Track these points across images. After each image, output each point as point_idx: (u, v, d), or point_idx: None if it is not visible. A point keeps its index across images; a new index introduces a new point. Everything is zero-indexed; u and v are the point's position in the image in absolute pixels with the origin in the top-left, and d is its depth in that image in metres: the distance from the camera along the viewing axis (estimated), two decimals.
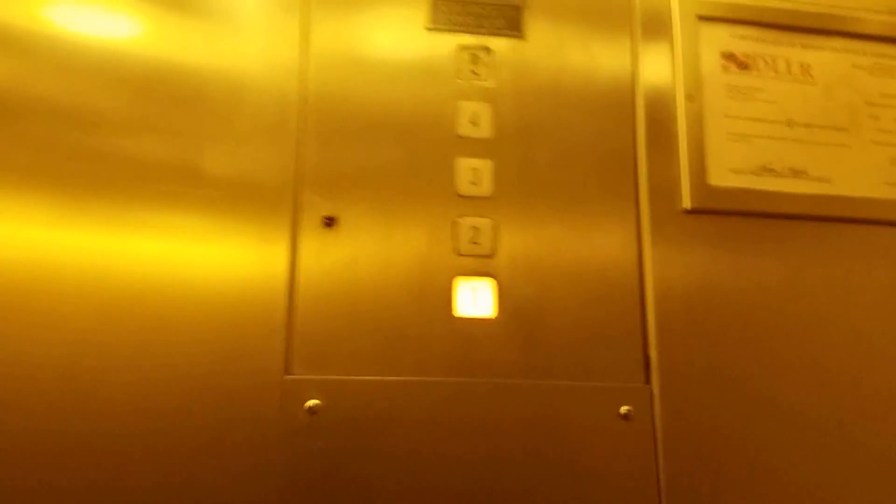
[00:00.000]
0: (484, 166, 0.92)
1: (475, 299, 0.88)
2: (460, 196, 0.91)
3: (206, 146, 0.87)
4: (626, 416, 0.87)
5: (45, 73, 0.87)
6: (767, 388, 0.90)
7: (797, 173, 0.98)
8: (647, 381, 0.89)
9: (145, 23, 0.90)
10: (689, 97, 0.97)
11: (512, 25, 0.97)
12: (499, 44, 0.96)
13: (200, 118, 0.88)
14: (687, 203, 0.94)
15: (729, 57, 1.00)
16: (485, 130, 0.93)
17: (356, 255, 0.86)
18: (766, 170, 0.97)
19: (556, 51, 0.97)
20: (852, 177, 0.99)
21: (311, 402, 0.81)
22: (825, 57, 1.03)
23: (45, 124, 0.85)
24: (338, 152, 0.89)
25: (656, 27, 1.00)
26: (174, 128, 0.87)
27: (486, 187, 0.91)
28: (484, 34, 0.96)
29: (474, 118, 0.93)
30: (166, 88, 0.88)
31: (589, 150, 0.94)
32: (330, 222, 0.87)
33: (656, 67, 0.99)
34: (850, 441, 0.90)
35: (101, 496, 0.77)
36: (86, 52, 0.88)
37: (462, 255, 0.89)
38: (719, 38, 1.00)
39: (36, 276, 0.81)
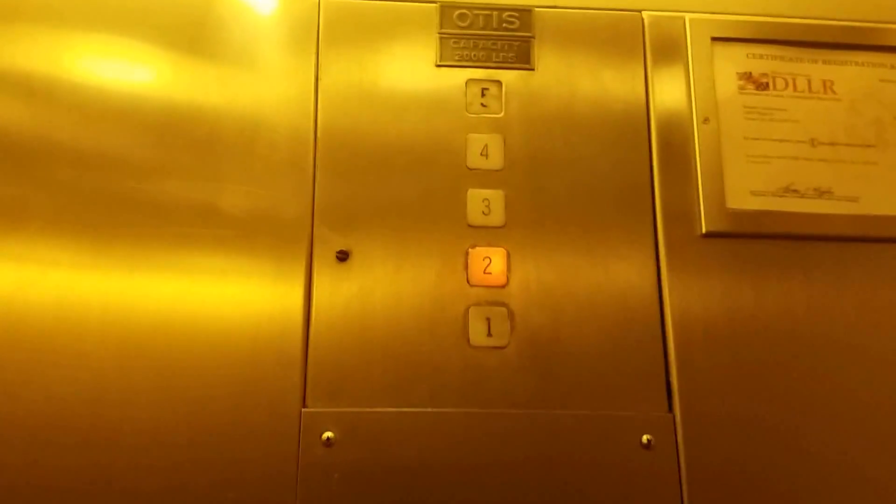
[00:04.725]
0: (495, 196, 0.92)
1: (489, 329, 0.88)
2: (472, 226, 0.91)
3: (223, 186, 0.90)
4: (647, 445, 0.85)
5: (65, 118, 0.91)
6: (793, 417, 0.87)
7: (822, 193, 0.95)
8: (670, 408, 0.87)
9: (162, 67, 0.94)
10: (705, 120, 0.96)
11: (521, 57, 0.97)
12: (509, 76, 0.97)
13: (217, 159, 0.91)
14: (704, 227, 0.92)
15: (746, 77, 0.98)
16: (495, 161, 0.93)
17: (370, 287, 0.88)
18: (789, 191, 0.95)
19: (567, 80, 0.97)
20: (881, 195, 0.96)
21: (328, 434, 0.83)
22: (849, 72, 1.00)
23: (66, 169, 0.89)
24: (351, 187, 0.91)
25: (669, 51, 0.99)
26: (192, 169, 0.90)
27: (497, 217, 0.92)
28: (493, 67, 0.97)
29: (484, 150, 0.93)
30: (183, 131, 0.92)
31: (602, 177, 0.94)
32: (343, 256, 0.89)
33: (670, 92, 0.98)
34: (880, 474, 0.87)
35: None
36: (105, 98, 0.92)
37: (474, 285, 0.89)
38: (735, 59, 0.99)
39: (60, 317, 0.84)
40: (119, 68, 0.93)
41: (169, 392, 0.83)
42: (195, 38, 0.95)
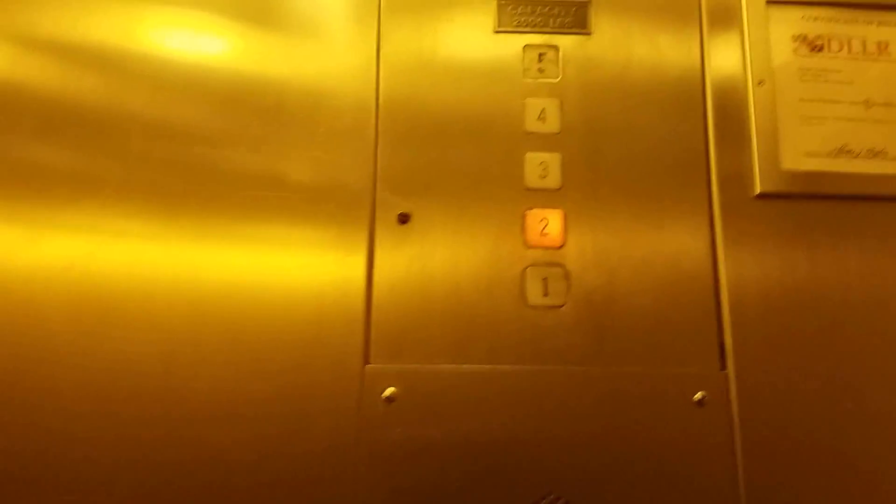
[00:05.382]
0: (552, 160, 0.94)
1: (545, 289, 0.90)
2: (529, 189, 0.93)
3: (288, 154, 0.92)
4: (700, 403, 0.87)
5: (137, 89, 0.94)
6: (845, 377, 0.89)
7: (876, 154, 0.95)
8: (723, 367, 0.89)
9: (229, 38, 0.97)
10: (760, 82, 0.96)
11: (578, 22, 0.99)
12: (565, 41, 0.98)
13: (282, 127, 0.93)
14: (758, 188, 0.93)
15: (800, 39, 0.99)
16: (552, 125, 0.95)
17: (430, 249, 0.91)
18: (843, 152, 0.95)
19: (623, 44, 0.98)
20: None
21: (389, 391, 0.86)
22: None
23: (138, 139, 0.92)
24: (411, 153, 0.94)
25: (724, 15, 1.00)
26: (258, 138, 0.93)
27: (554, 180, 0.93)
28: (550, 32, 0.98)
29: (542, 114, 0.95)
30: (250, 100, 0.94)
31: (658, 140, 0.95)
32: (404, 219, 0.91)
33: (725, 55, 0.98)
34: None
35: (192, 481, 0.83)
36: (175, 68, 0.95)
37: (531, 246, 0.91)
38: (790, 21, 0.99)
39: (131, 285, 0.87)
40: (188, 40, 0.96)
41: (235, 354, 0.86)
42: (261, 9, 0.97)
